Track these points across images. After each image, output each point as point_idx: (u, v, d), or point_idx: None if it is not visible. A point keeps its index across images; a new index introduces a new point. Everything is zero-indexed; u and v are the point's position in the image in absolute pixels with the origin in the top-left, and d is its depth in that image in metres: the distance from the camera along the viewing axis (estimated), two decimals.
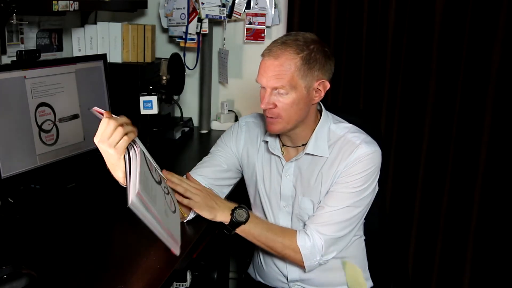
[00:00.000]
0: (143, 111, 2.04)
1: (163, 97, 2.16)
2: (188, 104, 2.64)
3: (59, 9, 1.74)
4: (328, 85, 1.43)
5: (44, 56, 2.02)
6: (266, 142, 1.54)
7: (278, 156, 1.52)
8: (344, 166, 1.43)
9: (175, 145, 2.29)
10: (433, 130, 2.26)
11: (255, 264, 1.71)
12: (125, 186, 1.14)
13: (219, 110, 2.62)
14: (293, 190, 1.51)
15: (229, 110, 2.58)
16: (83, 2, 1.89)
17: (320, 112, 1.51)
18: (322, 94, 1.42)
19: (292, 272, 1.56)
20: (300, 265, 1.45)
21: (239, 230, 1.43)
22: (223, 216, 1.41)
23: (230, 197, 1.58)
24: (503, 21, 2.09)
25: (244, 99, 2.59)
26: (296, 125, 1.44)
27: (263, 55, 1.41)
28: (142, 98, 2.03)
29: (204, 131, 2.57)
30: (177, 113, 2.44)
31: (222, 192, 1.57)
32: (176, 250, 1.20)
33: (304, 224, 1.49)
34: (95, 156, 1.95)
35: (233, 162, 1.60)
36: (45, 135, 1.68)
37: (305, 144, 1.48)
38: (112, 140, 1.13)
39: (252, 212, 1.46)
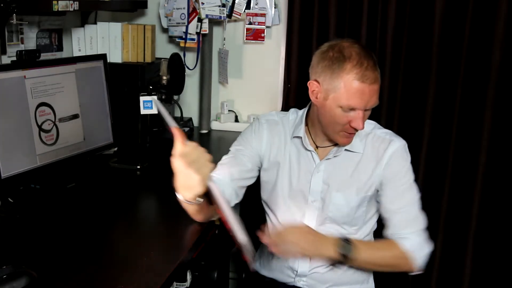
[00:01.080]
0: (143, 111, 2.03)
1: (163, 97, 2.16)
2: (188, 104, 2.64)
3: (59, 9, 1.74)
4: None
5: (44, 56, 2.02)
6: (299, 137, 1.55)
7: (311, 152, 1.53)
8: (385, 162, 1.49)
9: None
10: (433, 130, 2.26)
11: (261, 257, 1.71)
12: (187, 202, 1.28)
13: (219, 110, 2.62)
14: (323, 185, 1.53)
15: (229, 110, 2.58)
16: (83, 2, 1.89)
17: None
18: None
19: (303, 266, 1.56)
20: (411, 268, 1.47)
21: (350, 261, 1.41)
22: (328, 251, 1.40)
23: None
24: (503, 21, 2.09)
25: (244, 99, 2.59)
26: None
27: (357, 79, 1.37)
28: (142, 98, 2.03)
29: (204, 131, 2.57)
30: (177, 113, 2.44)
31: (242, 192, 1.57)
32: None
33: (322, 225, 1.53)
34: (95, 156, 1.96)
35: (255, 161, 1.59)
36: (45, 135, 1.68)
37: (336, 144, 1.51)
38: (199, 165, 1.17)
39: (353, 241, 1.43)
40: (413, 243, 1.45)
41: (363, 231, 1.57)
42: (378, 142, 1.51)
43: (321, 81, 1.41)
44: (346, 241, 1.40)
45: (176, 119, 2.44)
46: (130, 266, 1.25)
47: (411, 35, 2.22)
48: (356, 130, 1.43)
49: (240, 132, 1.67)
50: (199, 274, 1.74)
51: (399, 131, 2.29)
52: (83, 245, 1.36)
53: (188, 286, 1.68)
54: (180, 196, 1.27)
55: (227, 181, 1.50)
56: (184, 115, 2.44)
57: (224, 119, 2.56)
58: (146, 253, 1.30)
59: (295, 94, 2.39)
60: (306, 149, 1.54)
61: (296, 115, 1.61)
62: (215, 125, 2.59)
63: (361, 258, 1.40)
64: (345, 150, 1.51)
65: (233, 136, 1.81)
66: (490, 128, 2.18)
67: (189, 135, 2.46)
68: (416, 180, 2.32)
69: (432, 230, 2.30)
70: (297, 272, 1.58)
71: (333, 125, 1.44)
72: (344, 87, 1.37)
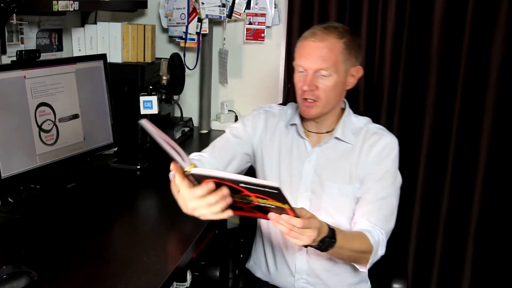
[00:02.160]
0: (143, 111, 2.04)
1: (163, 97, 2.16)
2: (188, 104, 2.64)
3: (59, 9, 1.74)
4: (362, 72, 1.52)
5: (44, 56, 2.02)
6: (293, 125, 1.57)
7: (304, 140, 1.55)
8: (372, 155, 1.49)
9: None
10: (433, 130, 2.26)
11: (256, 259, 1.70)
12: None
13: (219, 110, 2.62)
14: (314, 175, 1.53)
15: (229, 110, 2.58)
16: (83, 2, 1.89)
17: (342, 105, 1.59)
18: (356, 81, 1.51)
19: (300, 262, 1.56)
20: (366, 263, 1.41)
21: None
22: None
23: None
24: (503, 21, 2.09)
25: (244, 99, 2.59)
26: (329, 110, 1.50)
27: (305, 38, 1.46)
28: (142, 98, 2.03)
29: (204, 131, 2.57)
30: (177, 113, 2.44)
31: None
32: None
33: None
34: (95, 156, 1.96)
35: (247, 149, 1.60)
36: (45, 135, 1.68)
37: (330, 131, 1.54)
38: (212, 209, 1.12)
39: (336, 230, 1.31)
40: (375, 239, 1.41)
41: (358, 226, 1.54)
42: (370, 135, 1.52)
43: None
44: (330, 240, 1.33)
45: (176, 119, 2.46)
46: (130, 266, 1.25)
47: (411, 35, 2.22)
48: (313, 98, 1.44)
49: None
50: (199, 274, 1.75)
51: (399, 131, 2.30)
52: (83, 245, 1.36)
53: (188, 286, 1.68)
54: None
55: (211, 165, 1.51)
56: (184, 115, 2.44)
57: (224, 119, 2.56)
58: (146, 253, 1.30)
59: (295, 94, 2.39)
60: (300, 136, 1.56)
61: (294, 107, 1.64)
62: (215, 125, 2.59)
63: (339, 244, 1.30)
64: (335, 138, 1.52)
65: None
66: (490, 128, 2.18)
67: (189, 135, 2.47)
68: (416, 180, 2.35)
69: (432, 230, 2.33)
70: (295, 266, 1.56)
71: (296, 94, 1.49)
72: (297, 48, 1.48)
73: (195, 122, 2.65)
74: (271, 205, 1.12)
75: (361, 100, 2.31)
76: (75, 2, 1.81)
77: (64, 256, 1.29)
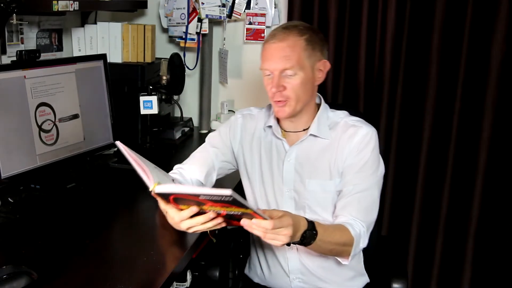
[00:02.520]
0: (143, 111, 2.04)
1: (163, 97, 2.16)
2: (188, 104, 2.64)
3: (59, 9, 1.74)
4: (329, 65, 1.51)
5: (44, 56, 2.02)
6: (270, 127, 1.57)
7: (281, 140, 1.55)
8: (350, 148, 1.48)
9: (175, 145, 2.29)
10: (433, 130, 2.26)
11: (252, 266, 1.71)
12: None
13: (219, 110, 2.62)
14: (295, 174, 1.53)
15: (229, 110, 2.58)
16: (83, 2, 1.89)
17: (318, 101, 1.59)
18: (324, 75, 1.50)
19: (292, 261, 1.56)
20: (348, 255, 1.40)
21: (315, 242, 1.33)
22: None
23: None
24: (503, 21, 2.09)
25: (244, 99, 2.59)
26: (302, 107, 1.49)
27: (266, 41, 1.47)
28: (142, 98, 2.03)
29: (204, 131, 2.57)
30: (177, 113, 2.44)
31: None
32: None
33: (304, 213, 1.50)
34: (95, 156, 1.96)
35: (227, 158, 1.62)
36: (45, 135, 1.68)
37: (306, 129, 1.53)
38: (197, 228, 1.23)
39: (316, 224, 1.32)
40: (356, 232, 1.40)
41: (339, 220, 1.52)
42: (347, 128, 1.51)
43: None
44: (312, 232, 1.32)
45: (176, 119, 2.46)
46: (130, 266, 1.25)
47: (411, 35, 2.22)
48: (283, 99, 1.44)
49: None
50: (199, 274, 1.75)
51: (399, 131, 2.31)
52: (83, 245, 1.36)
53: (188, 286, 1.68)
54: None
55: (193, 176, 1.56)
56: (184, 115, 2.44)
57: (224, 119, 2.56)
58: (146, 253, 1.30)
59: None
60: (277, 137, 1.56)
61: (270, 108, 1.62)
62: (215, 125, 2.59)
63: (320, 237, 1.31)
64: (311, 135, 1.52)
65: None
66: (490, 128, 2.18)
67: (189, 135, 2.47)
68: (416, 180, 2.35)
69: (432, 230, 2.33)
70: (288, 266, 1.56)
71: (269, 97, 1.48)
72: (261, 52, 1.48)
73: (195, 122, 2.65)
74: (238, 212, 1.13)
75: (361, 100, 2.31)
76: (75, 2, 1.81)
77: (64, 256, 1.28)
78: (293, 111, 1.47)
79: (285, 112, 1.47)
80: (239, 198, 1.05)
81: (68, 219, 1.53)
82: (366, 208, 1.46)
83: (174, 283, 1.61)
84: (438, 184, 2.29)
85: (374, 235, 1.62)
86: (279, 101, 1.46)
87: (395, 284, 1.64)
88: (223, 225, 1.22)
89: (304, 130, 1.54)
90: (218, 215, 1.18)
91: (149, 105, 2.04)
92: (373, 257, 1.69)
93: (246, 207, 1.10)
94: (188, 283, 1.70)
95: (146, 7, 2.47)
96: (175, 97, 2.34)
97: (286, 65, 1.42)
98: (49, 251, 1.31)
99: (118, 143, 1.24)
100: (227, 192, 1.03)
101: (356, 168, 1.47)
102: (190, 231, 1.24)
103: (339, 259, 1.44)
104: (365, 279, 1.64)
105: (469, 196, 2.25)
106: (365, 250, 1.63)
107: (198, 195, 1.11)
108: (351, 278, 1.59)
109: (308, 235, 1.27)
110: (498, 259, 2.27)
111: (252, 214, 1.14)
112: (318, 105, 1.57)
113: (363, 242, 1.43)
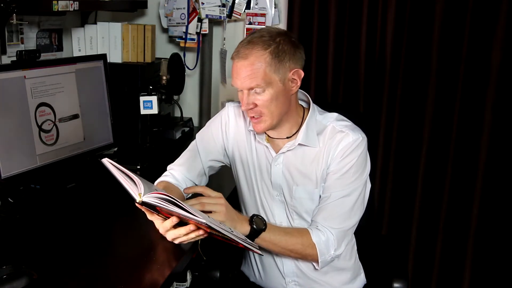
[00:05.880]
0: (143, 111, 2.04)
1: (163, 97, 2.17)
2: (188, 104, 2.64)
3: (59, 9, 1.74)
4: (302, 73, 1.43)
5: (44, 56, 2.02)
6: (253, 131, 1.53)
7: (266, 146, 1.52)
8: (335, 154, 1.44)
9: (175, 145, 2.29)
10: (433, 130, 2.27)
11: (247, 266, 1.70)
12: None
13: (219, 110, 2.61)
14: (283, 179, 1.51)
15: None
16: (83, 2, 1.89)
17: (306, 103, 1.55)
18: (299, 83, 1.43)
19: (287, 264, 1.55)
20: (315, 261, 1.44)
21: (260, 240, 1.39)
22: (243, 227, 1.37)
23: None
24: (503, 21, 2.09)
25: None
26: (280, 119, 1.45)
27: (232, 58, 1.42)
28: (142, 98, 2.04)
29: None
30: (177, 113, 2.44)
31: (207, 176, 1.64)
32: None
33: (300, 219, 1.50)
34: (95, 156, 1.96)
35: (218, 156, 1.61)
36: (45, 135, 1.68)
37: (290, 136, 1.49)
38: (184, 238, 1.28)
39: (268, 221, 1.44)
40: (321, 238, 1.41)
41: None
42: (333, 134, 1.46)
43: None
44: (260, 218, 1.39)
45: (176, 119, 2.46)
46: (130, 266, 1.25)
47: (411, 35, 2.22)
48: (256, 115, 1.42)
49: None
50: (199, 274, 1.75)
51: (399, 131, 2.31)
52: (83, 245, 1.36)
53: (188, 286, 1.68)
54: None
55: (184, 176, 1.57)
56: (184, 115, 2.44)
57: None
58: (146, 253, 1.30)
59: None
60: (260, 143, 1.53)
61: None
62: None
63: (271, 239, 1.39)
64: (299, 144, 1.47)
65: None
66: (490, 128, 2.18)
67: (189, 135, 2.46)
68: (416, 180, 2.35)
69: (432, 230, 2.33)
70: (284, 270, 1.56)
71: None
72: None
73: (195, 122, 2.64)
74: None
75: (361, 99, 2.31)
76: (75, 2, 1.81)
77: (64, 256, 1.28)
78: (269, 125, 1.44)
79: (260, 127, 1.44)
80: (214, 226, 1.17)
81: (68, 219, 1.53)
82: (340, 215, 1.43)
83: (174, 283, 1.61)
84: (438, 184, 2.29)
85: (374, 235, 1.62)
86: (253, 117, 1.43)
87: (395, 284, 1.64)
88: (205, 235, 1.26)
89: (287, 137, 1.49)
90: (198, 227, 1.23)
91: (149, 105, 2.04)
92: (373, 257, 1.69)
93: (223, 234, 1.20)
94: (188, 283, 1.70)
95: (146, 7, 2.47)
96: (175, 97, 2.34)
97: (251, 84, 1.37)
98: (49, 251, 1.31)
99: (105, 161, 1.26)
100: (202, 220, 1.15)
101: (337, 174, 1.44)
102: (176, 241, 1.29)
103: (314, 264, 1.47)
104: (363, 281, 1.63)
105: (469, 196, 2.25)
106: (365, 250, 1.64)
107: (175, 212, 1.19)
108: (348, 281, 1.58)
109: (256, 220, 1.37)
110: (498, 259, 2.27)
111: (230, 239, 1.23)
112: (306, 108, 1.52)
113: (334, 249, 1.42)
